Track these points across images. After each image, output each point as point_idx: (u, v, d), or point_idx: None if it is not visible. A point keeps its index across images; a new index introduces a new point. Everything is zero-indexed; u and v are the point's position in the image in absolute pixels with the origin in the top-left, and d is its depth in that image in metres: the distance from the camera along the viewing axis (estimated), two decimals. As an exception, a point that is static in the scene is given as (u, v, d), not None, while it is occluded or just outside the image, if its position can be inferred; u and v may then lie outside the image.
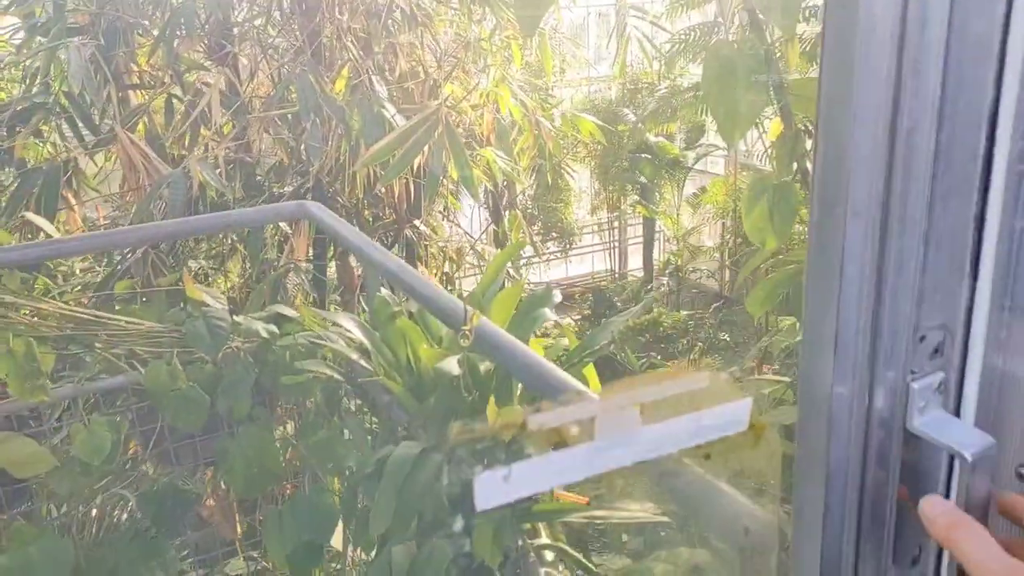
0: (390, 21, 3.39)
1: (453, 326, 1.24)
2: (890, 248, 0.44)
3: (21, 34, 3.89)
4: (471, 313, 1.09)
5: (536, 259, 8.74)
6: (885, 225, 0.44)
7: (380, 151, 2.70)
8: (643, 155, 8.43)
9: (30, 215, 2.39)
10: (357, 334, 1.72)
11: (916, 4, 0.39)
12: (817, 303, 0.47)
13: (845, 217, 0.44)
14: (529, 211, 9.12)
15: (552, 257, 9.96)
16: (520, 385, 1.37)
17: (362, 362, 1.74)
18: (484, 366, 1.41)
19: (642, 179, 8.61)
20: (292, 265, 3.33)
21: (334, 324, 1.85)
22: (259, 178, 4.18)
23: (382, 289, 1.79)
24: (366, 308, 3.44)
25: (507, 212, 6.36)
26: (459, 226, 4.34)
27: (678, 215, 8.43)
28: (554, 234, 9.58)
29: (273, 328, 1.99)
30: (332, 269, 4.07)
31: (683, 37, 6.08)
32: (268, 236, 3.60)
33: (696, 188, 8.46)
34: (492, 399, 1.32)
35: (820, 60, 0.43)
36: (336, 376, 1.86)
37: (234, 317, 1.97)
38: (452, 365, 1.37)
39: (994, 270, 0.46)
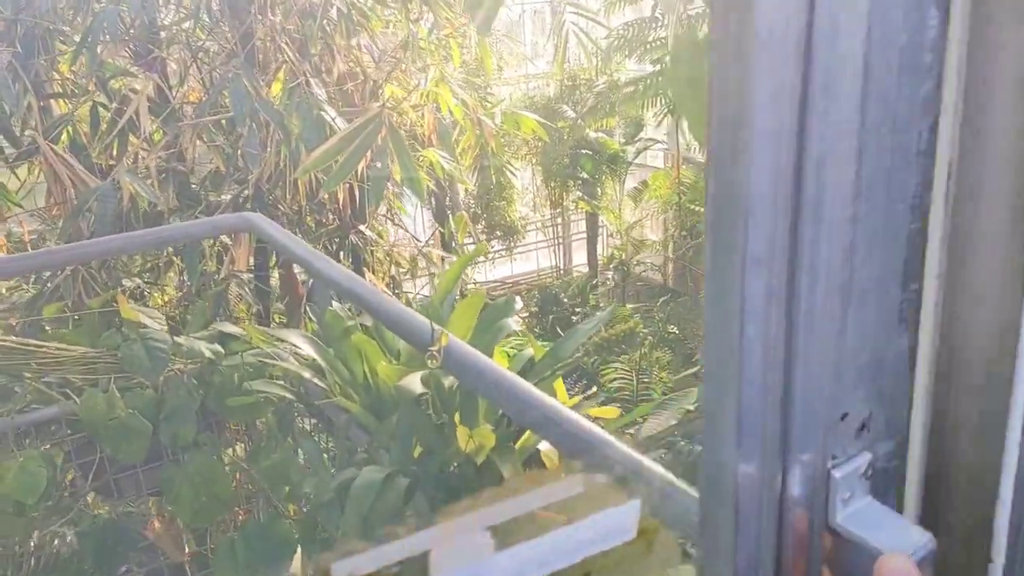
0: (325, 21, 3.29)
1: (417, 345, 1.17)
2: (799, 305, 0.35)
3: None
4: (439, 333, 1.03)
5: (481, 258, 8.69)
6: (792, 277, 0.35)
7: (322, 156, 2.60)
8: (583, 151, 8.46)
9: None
10: (308, 351, 1.64)
11: (825, 10, 0.32)
12: (716, 366, 0.37)
13: (743, 266, 0.35)
14: (472, 210, 9.07)
15: (497, 256, 9.92)
16: (485, 402, 1.31)
17: (315, 380, 1.66)
18: (447, 382, 1.35)
19: (583, 175, 8.64)
20: (234, 277, 3.21)
21: (282, 341, 1.76)
22: (194, 187, 4.03)
23: (333, 302, 1.71)
24: (313, 318, 3.34)
25: (451, 212, 6.29)
26: (404, 229, 4.26)
27: (620, 210, 8.47)
28: (498, 232, 9.54)
29: (218, 348, 1.89)
30: (274, 278, 3.94)
31: (622, 33, 6.08)
32: (207, 247, 3.46)
33: (637, 183, 8.52)
34: (457, 417, 1.27)
35: (709, 77, 0.35)
36: (287, 396, 1.77)
37: (175, 338, 1.87)
38: (415, 383, 1.30)
39: (933, 328, 0.38)
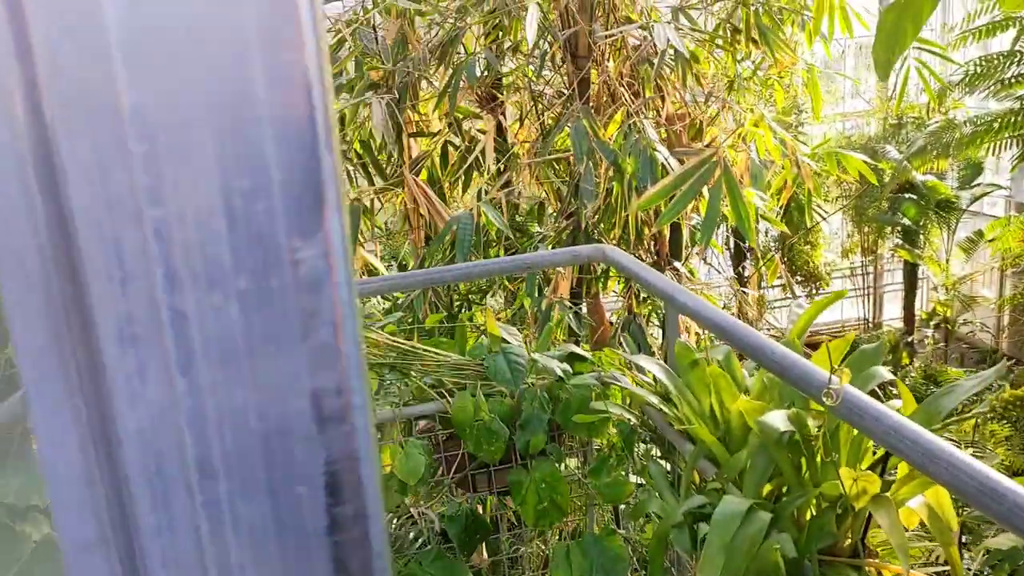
0: (662, 66, 3.43)
1: (796, 383, 1.20)
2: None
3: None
4: (840, 371, 1.05)
5: (777, 303, 8.35)
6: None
7: (657, 193, 2.72)
8: (907, 195, 7.80)
9: (366, 254, 2.68)
10: (661, 378, 1.73)
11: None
12: None
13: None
14: (771, 252, 8.76)
15: (792, 300, 9.45)
16: (870, 448, 1.30)
17: (662, 407, 1.74)
18: (812, 423, 1.35)
19: (905, 221, 7.95)
20: (558, 303, 3.44)
21: (629, 367, 1.88)
22: (519, 219, 4.39)
23: (681, 335, 1.79)
24: (624, 348, 3.46)
25: (749, 253, 6.15)
26: (717, 269, 4.25)
27: (948, 261, 7.66)
28: (799, 278, 9.10)
29: (567, 367, 2.05)
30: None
31: (972, 69, 5.55)
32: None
33: (970, 232, 7.65)
34: (836, 459, 1.26)
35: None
36: (631, 419, 1.87)
37: (531, 354, 2.06)
38: (778, 420, 1.32)
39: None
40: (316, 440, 0.30)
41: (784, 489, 1.46)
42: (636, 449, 1.93)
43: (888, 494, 1.23)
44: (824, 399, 1.03)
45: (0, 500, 1.49)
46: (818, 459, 1.36)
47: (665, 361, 1.91)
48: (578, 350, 2.14)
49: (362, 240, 4.07)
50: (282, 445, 0.30)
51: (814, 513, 1.36)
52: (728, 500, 1.30)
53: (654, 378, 1.83)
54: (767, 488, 1.47)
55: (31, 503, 1.50)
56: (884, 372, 1.36)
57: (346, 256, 0.29)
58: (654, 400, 1.75)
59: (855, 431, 1.41)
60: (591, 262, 2.48)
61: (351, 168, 4.21)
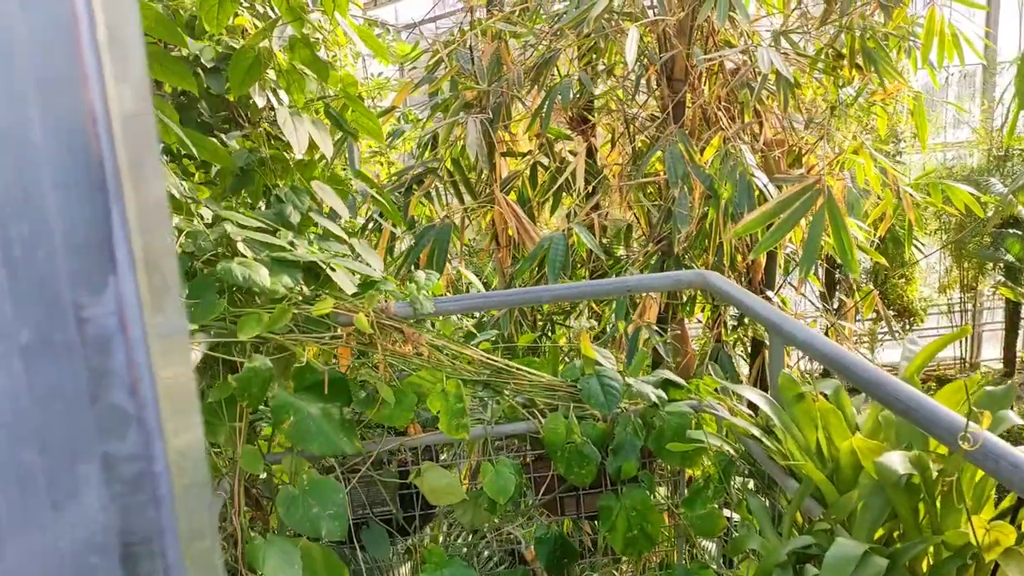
0: (763, 91, 3.37)
1: (920, 422, 1.14)
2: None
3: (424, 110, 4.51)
4: (980, 415, 0.99)
5: (867, 339, 8.04)
6: None
7: (756, 220, 2.66)
8: (1011, 231, 7.43)
9: (463, 270, 2.70)
10: (764, 409, 1.67)
11: None
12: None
13: None
14: (864, 284, 8.45)
15: (885, 338, 9.09)
16: (992, 497, 1.22)
17: (765, 441, 1.68)
18: (935, 467, 1.28)
19: (1008, 257, 7.57)
20: (646, 327, 3.39)
21: (726, 396, 1.82)
22: (605, 241, 4.36)
23: (786, 367, 1.73)
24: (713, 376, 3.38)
25: (840, 284, 5.94)
26: (810, 301, 4.12)
27: (1055, 301, 7.24)
28: (892, 311, 8.75)
29: (661, 393, 2.01)
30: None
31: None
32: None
33: (1083, 271, 7.22)
34: (958, 506, 1.19)
35: None
36: (729, 451, 1.82)
37: (625, 378, 2.03)
38: (897, 462, 1.26)
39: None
40: (109, 509, 0.28)
41: (897, 534, 1.39)
42: (733, 482, 1.87)
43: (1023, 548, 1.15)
44: (960, 443, 0.98)
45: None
46: (938, 505, 1.29)
47: (765, 391, 1.85)
48: (673, 376, 2.10)
49: (449, 257, 4.12)
50: (72, 513, 0.28)
51: (932, 562, 1.29)
52: (842, 543, 1.25)
53: (754, 409, 1.77)
54: (879, 532, 1.40)
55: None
56: (1013, 416, 1.28)
57: (142, 315, 0.27)
58: (756, 432, 1.70)
59: (977, 477, 1.34)
60: (691, 287, 2.43)
61: (441, 186, 4.27)
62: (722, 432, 1.91)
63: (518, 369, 2.04)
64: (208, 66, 2.64)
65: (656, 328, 3.41)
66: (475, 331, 2.48)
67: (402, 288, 2.02)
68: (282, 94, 2.62)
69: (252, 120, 2.82)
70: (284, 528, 1.80)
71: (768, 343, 2.11)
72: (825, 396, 1.61)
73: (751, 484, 1.86)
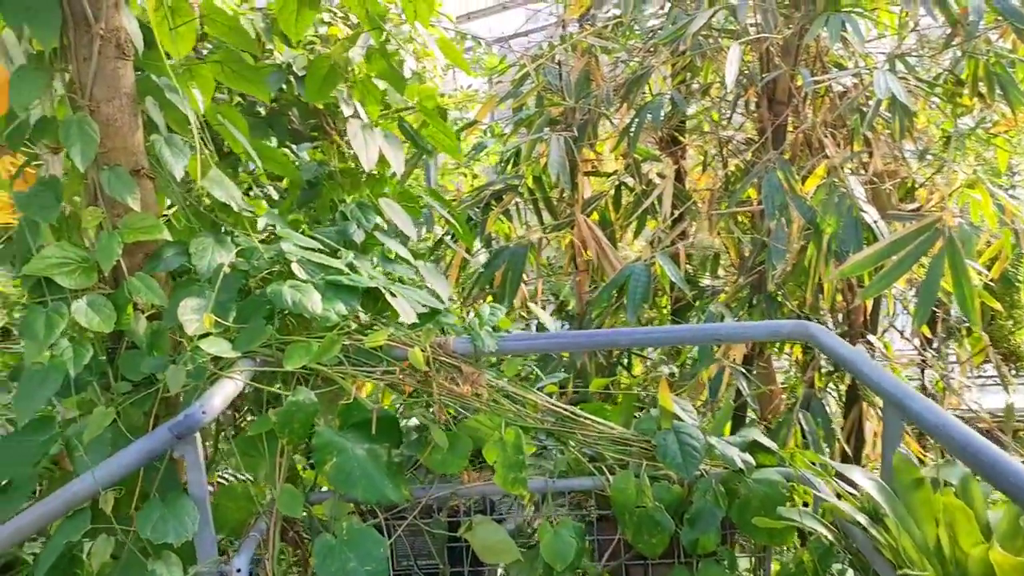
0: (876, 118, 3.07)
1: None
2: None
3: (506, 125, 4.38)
4: None
5: (968, 384, 7.46)
6: None
7: (866, 260, 2.38)
8: None
9: (531, 305, 2.53)
10: (872, 494, 1.42)
11: None
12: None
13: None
14: (962, 326, 7.88)
15: (989, 382, 8.45)
16: None
17: (872, 531, 1.43)
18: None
19: None
20: (730, 367, 3.13)
21: (826, 472, 1.58)
22: (690, 268, 4.10)
23: (901, 447, 1.47)
24: (804, 425, 3.09)
25: (940, 323, 5.49)
26: (916, 348, 3.76)
27: None
28: (998, 355, 8.12)
29: (749, 458, 1.78)
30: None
31: None
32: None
33: None
34: None
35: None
36: (827, 536, 1.57)
37: (706, 436, 1.81)
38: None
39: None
40: None
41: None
42: (829, 570, 1.62)
43: None
44: None
45: (140, 534, 1.43)
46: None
47: (860, 449, 1.60)
48: (763, 439, 1.86)
49: (525, 279, 3.94)
50: None
51: None
52: None
53: (861, 490, 1.53)
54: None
55: (166, 541, 1.42)
56: None
57: None
58: (861, 520, 1.45)
59: None
60: (790, 339, 2.18)
61: (522, 203, 4.11)
62: (818, 510, 1.66)
63: (585, 418, 1.84)
64: (300, 74, 2.56)
65: (743, 370, 3.15)
66: (540, 371, 2.30)
67: (465, 319, 1.86)
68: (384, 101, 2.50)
69: (339, 130, 2.73)
70: (322, 577, 1.64)
71: (882, 412, 1.85)
72: (950, 485, 1.36)
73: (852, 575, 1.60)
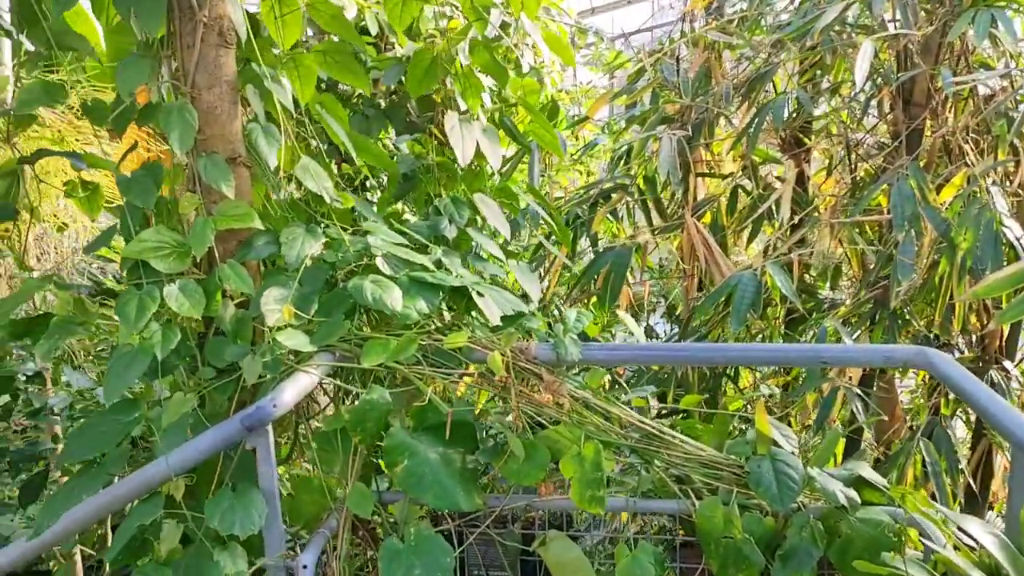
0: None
1: None
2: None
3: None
4: None
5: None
6: None
7: (1001, 281, 2.13)
8: None
9: (621, 314, 2.43)
10: (993, 552, 1.25)
11: None
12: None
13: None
14: None
15: None
16: None
17: (993, 593, 1.25)
18: None
19: None
20: (844, 387, 2.90)
21: (957, 527, 1.40)
22: (808, 278, 3.85)
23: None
24: (926, 455, 2.83)
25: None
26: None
27: None
28: None
29: (854, 495, 1.61)
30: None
31: None
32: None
33: None
34: None
35: None
36: (940, 592, 1.40)
37: (807, 467, 1.65)
38: None
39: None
40: None
41: None
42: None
43: None
44: None
45: (209, 522, 1.43)
46: None
47: (987, 487, 1.41)
48: (871, 474, 1.68)
49: (629, 281, 3.81)
50: None
51: None
52: None
53: (979, 544, 1.34)
54: None
55: (232, 533, 1.42)
56: None
57: None
58: (979, 579, 1.27)
59: None
60: (905, 366, 1.98)
61: (631, 203, 3.98)
62: (928, 560, 1.48)
63: (674, 437, 1.72)
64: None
65: (859, 391, 2.91)
66: (624, 383, 2.18)
67: (552, 323, 1.77)
68: (484, 96, 2.46)
69: (440, 123, 2.71)
70: (389, 580, 1.60)
71: (1010, 457, 1.64)
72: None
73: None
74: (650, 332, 4.44)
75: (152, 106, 1.76)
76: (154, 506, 1.46)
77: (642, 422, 1.71)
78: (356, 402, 1.60)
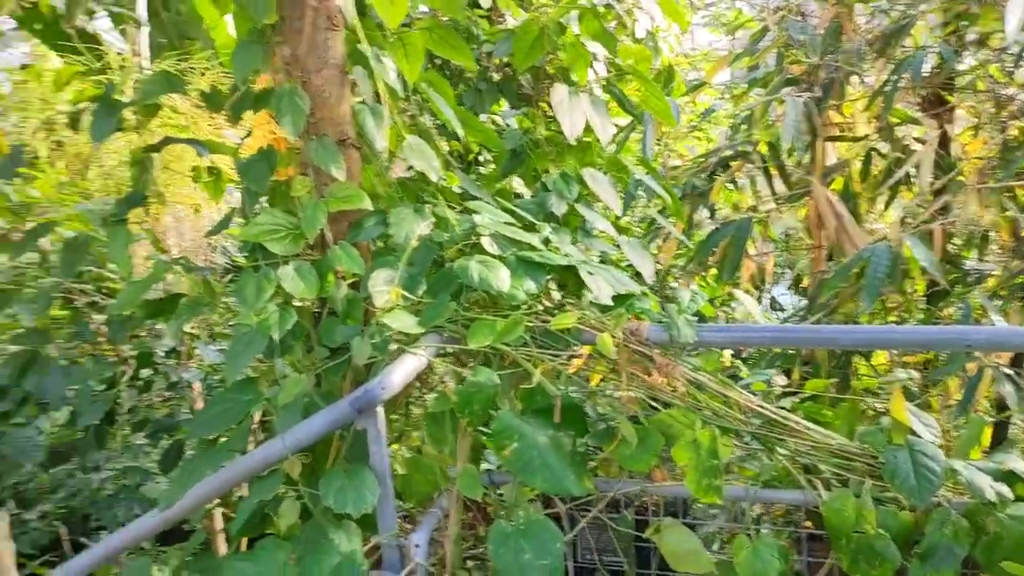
0: None
1: None
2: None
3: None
4: None
5: None
6: None
7: None
8: None
9: (737, 292, 2.31)
10: None
11: None
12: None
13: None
14: None
15: None
16: None
17: None
18: None
19: None
20: (990, 367, 2.66)
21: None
22: (952, 247, 3.56)
23: None
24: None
25: None
26: None
27: None
28: None
29: (1004, 489, 1.46)
30: None
31: None
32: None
33: None
34: None
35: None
36: (1108, 604, 1.24)
37: (948, 458, 1.51)
38: None
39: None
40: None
41: None
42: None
43: None
44: None
45: (323, 501, 1.46)
46: None
47: None
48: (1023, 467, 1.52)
49: (750, 253, 3.64)
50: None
51: None
52: None
53: None
54: None
55: (345, 511, 1.44)
56: None
57: None
58: None
59: None
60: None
61: (753, 170, 3.79)
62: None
63: (798, 423, 1.61)
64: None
65: (1010, 372, 2.66)
66: (742, 365, 2.06)
67: (664, 303, 1.70)
68: (598, 67, 2.39)
69: (547, 97, 2.66)
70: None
71: None
72: None
73: None
74: (774, 304, 4.24)
75: (265, 91, 1.79)
76: (273, 483, 1.50)
77: (763, 407, 1.61)
78: (463, 383, 1.58)
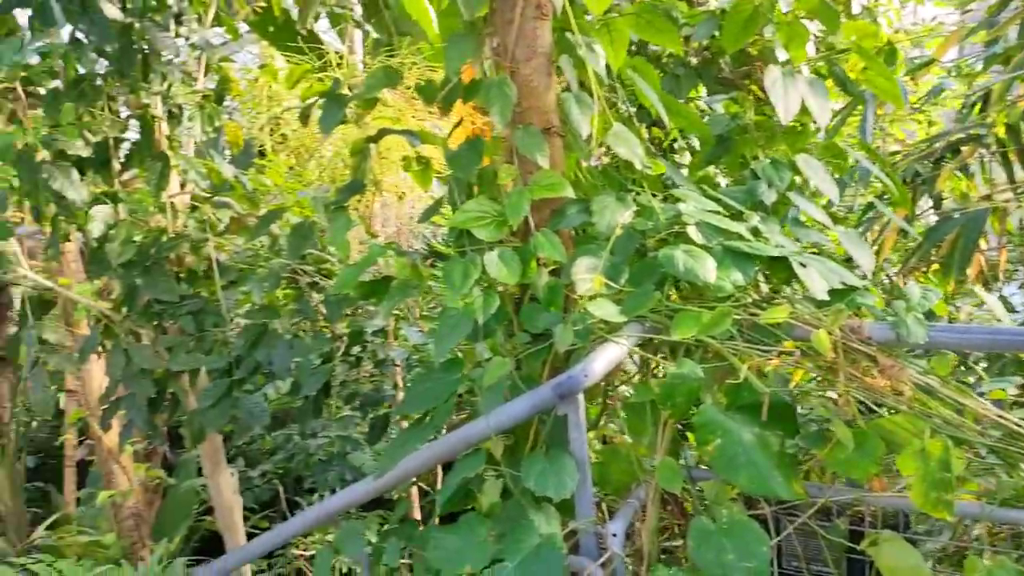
0: None
1: None
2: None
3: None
4: None
5: None
6: None
7: None
8: None
9: (977, 288, 2.10)
10: None
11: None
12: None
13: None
14: None
15: None
16: None
17: None
18: None
19: None
20: None
21: None
22: None
23: None
24: None
25: None
26: None
27: None
28: None
29: None
30: None
31: None
32: None
33: None
34: None
35: None
36: None
37: None
38: None
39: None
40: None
41: None
42: None
43: None
44: None
45: (524, 482, 1.48)
46: None
47: None
48: None
49: (981, 247, 3.27)
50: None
51: None
52: None
53: None
54: None
55: (546, 494, 1.46)
56: None
57: None
58: None
59: None
60: None
61: (987, 156, 3.41)
62: None
63: (1047, 438, 1.43)
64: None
65: None
66: (977, 368, 1.85)
67: (886, 295, 1.57)
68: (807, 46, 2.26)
69: (757, 78, 2.54)
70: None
71: None
72: None
73: None
74: (1005, 304, 3.81)
75: (475, 83, 1.84)
76: (476, 461, 1.55)
77: (1004, 418, 1.44)
78: (665, 374, 1.55)
